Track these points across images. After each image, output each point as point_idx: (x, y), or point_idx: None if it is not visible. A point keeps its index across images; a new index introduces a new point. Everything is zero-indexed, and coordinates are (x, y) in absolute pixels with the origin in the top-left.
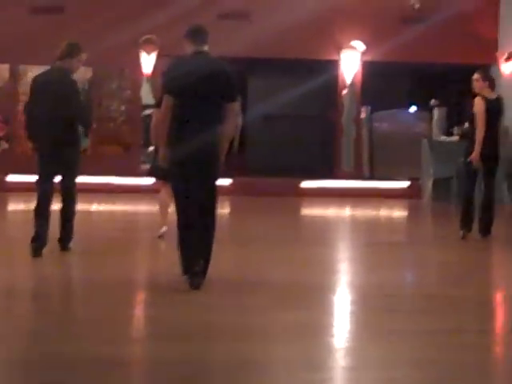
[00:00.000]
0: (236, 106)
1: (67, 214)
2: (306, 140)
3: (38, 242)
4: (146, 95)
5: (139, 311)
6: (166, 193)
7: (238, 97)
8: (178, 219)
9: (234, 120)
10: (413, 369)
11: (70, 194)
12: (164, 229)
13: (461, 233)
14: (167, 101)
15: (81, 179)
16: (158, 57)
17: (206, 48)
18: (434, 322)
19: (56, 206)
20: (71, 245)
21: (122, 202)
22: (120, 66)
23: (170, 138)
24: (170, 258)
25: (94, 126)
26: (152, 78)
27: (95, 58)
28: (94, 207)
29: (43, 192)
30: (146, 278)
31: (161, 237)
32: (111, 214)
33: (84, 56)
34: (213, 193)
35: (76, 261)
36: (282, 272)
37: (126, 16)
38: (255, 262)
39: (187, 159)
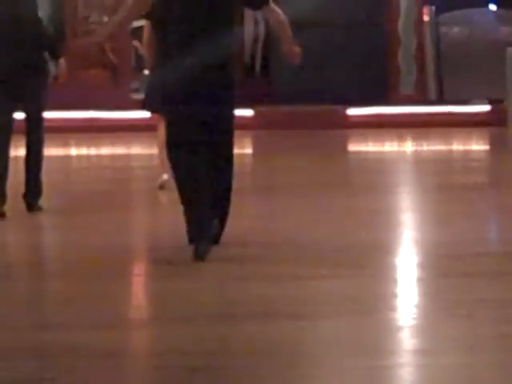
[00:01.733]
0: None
1: (33, 160)
2: (351, 55)
3: None
4: None
5: (135, 287)
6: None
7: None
8: (170, 153)
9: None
10: (498, 352)
11: (35, 134)
12: (165, 177)
13: None
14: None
15: (54, 115)
16: None
17: None
18: None
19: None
20: (41, 202)
21: (110, 143)
22: None
23: (161, 57)
24: (174, 217)
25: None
26: None
27: None
28: (73, 151)
29: None
30: (143, 245)
31: (162, 187)
32: (95, 159)
33: None
34: (227, 130)
35: (49, 224)
36: (325, 230)
37: None
38: (287, 218)
39: (189, 87)
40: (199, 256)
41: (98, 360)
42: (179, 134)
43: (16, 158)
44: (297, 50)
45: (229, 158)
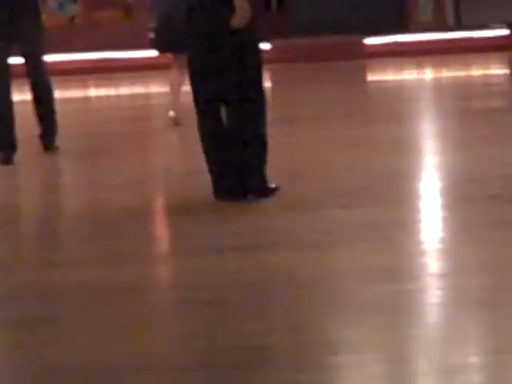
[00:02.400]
0: None
1: (43, 100)
2: None
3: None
4: None
5: (149, 224)
6: (177, 69)
7: None
8: (199, 116)
9: None
10: None
11: (38, 75)
12: (171, 113)
13: None
14: None
15: (71, 57)
16: None
17: None
18: None
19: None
20: (58, 143)
21: (128, 82)
22: None
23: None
24: (192, 155)
25: None
26: None
27: None
28: (91, 92)
29: None
30: (160, 184)
31: (176, 123)
32: (114, 99)
33: None
34: (255, 64)
35: (66, 166)
36: (345, 159)
37: None
38: (307, 148)
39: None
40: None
41: (110, 296)
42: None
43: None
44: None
45: (261, 101)
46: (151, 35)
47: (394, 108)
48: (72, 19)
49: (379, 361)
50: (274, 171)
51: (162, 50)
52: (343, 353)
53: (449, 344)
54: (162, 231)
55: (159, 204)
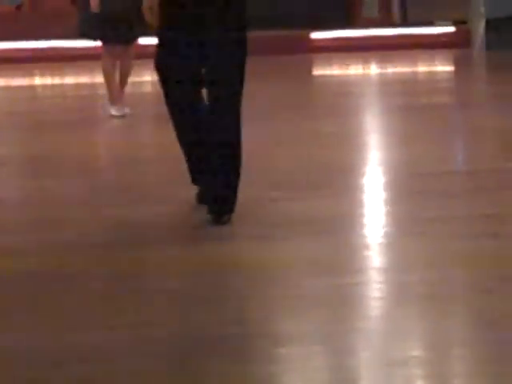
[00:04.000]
0: None
1: None
2: None
3: None
4: None
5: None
6: (108, 58)
7: None
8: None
9: None
10: (462, 267)
11: None
12: (126, 110)
13: None
14: None
15: (17, 45)
16: None
17: None
18: (487, 206)
19: None
20: None
21: (73, 72)
22: None
23: None
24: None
25: None
26: None
27: None
28: (36, 81)
29: None
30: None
31: (122, 115)
32: (59, 88)
33: None
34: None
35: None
36: (292, 152)
37: None
38: (249, 140)
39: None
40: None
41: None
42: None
43: None
44: None
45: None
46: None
47: (339, 102)
48: (19, 7)
49: (323, 353)
50: None
51: (93, 38)
52: (288, 345)
53: (391, 338)
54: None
55: (108, 194)
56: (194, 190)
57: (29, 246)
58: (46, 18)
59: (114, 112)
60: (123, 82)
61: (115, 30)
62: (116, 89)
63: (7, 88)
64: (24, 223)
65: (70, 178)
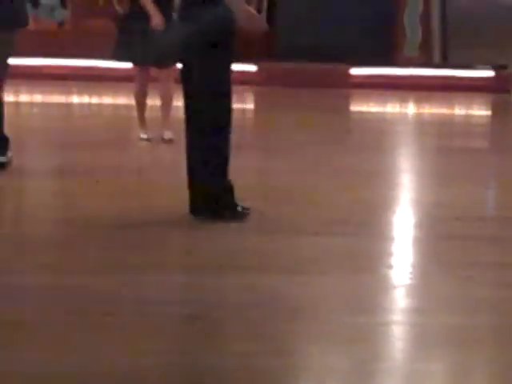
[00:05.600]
0: None
1: None
2: (357, 13)
3: None
4: None
5: (133, 235)
6: (142, 81)
7: None
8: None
9: None
10: (493, 314)
11: None
12: (145, 135)
13: None
14: None
15: (58, 62)
16: None
17: None
18: None
19: None
20: (10, 154)
21: (111, 92)
22: None
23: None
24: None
25: None
26: None
27: None
28: (75, 99)
29: None
30: (141, 198)
31: (148, 139)
32: (96, 107)
33: None
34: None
35: (42, 168)
36: (325, 186)
37: None
38: (287, 174)
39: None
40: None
41: (87, 305)
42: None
43: None
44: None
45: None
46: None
47: (375, 140)
48: (61, 25)
49: None
50: (251, 193)
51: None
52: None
53: (416, 379)
54: (143, 243)
55: (138, 216)
56: None
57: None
58: (87, 36)
59: (141, 135)
60: (163, 108)
61: (144, 52)
62: (143, 113)
63: (45, 104)
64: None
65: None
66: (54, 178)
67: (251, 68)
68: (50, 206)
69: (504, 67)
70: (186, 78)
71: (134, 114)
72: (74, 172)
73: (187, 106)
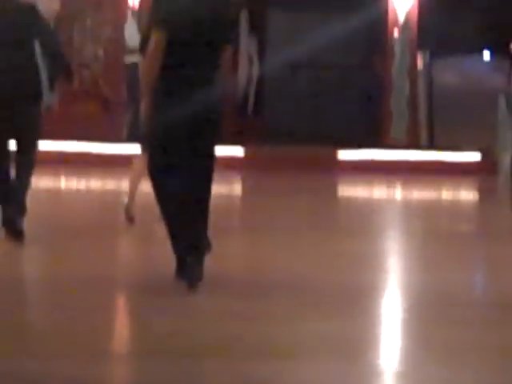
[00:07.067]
0: (229, 50)
1: (21, 183)
2: (345, 97)
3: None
4: (132, 35)
5: (120, 320)
6: (141, 162)
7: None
8: (161, 208)
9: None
10: None
11: (27, 163)
12: (126, 201)
13: None
14: (158, 37)
15: (45, 147)
16: None
17: None
18: (502, 339)
19: None
20: (24, 226)
21: (100, 175)
22: None
23: (154, 95)
24: (161, 249)
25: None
26: (140, 11)
27: None
28: (63, 183)
29: None
30: (130, 277)
31: (129, 219)
32: (85, 192)
33: None
34: (209, 170)
35: (31, 250)
36: (312, 270)
37: None
38: (275, 257)
39: (178, 125)
40: (194, 279)
41: None
42: (161, 162)
43: None
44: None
45: (207, 197)
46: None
47: (363, 223)
48: (49, 108)
49: None
50: (238, 277)
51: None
52: None
53: None
54: (130, 328)
55: (121, 299)
56: None
57: None
58: (75, 119)
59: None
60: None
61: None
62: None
63: (32, 189)
64: None
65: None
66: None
67: (239, 152)
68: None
69: (490, 150)
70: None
71: (122, 198)
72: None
73: None
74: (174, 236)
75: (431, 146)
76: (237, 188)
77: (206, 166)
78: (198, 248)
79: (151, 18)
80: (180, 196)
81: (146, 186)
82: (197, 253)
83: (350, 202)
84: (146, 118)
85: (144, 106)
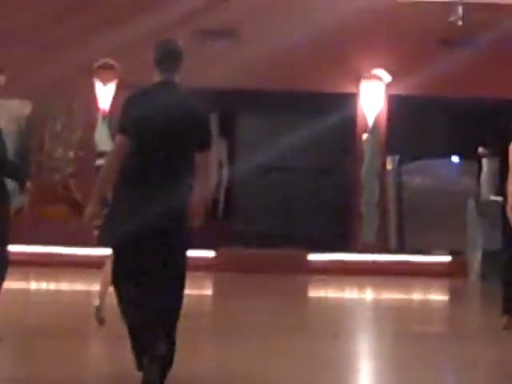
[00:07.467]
0: (211, 155)
1: None
2: (314, 200)
3: None
4: (102, 139)
5: None
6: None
7: (220, 143)
8: (122, 314)
9: (210, 174)
10: None
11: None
12: (97, 302)
13: (504, 319)
14: (120, 142)
15: (15, 249)
16: (118, 87)
17: (175, 77)
18: None
19: None
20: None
21: (69, 278)
22: (67, 98)
23: (119, 199)
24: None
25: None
26: (110, 115)
27: (34, 88)
28: (32, 285)
29: None
30: (96, 379)
31: (99, 320)
32: (54, 294)
33: (2, 79)
34: (180, 277)
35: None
36: (283, 372)
37: (75, 34)
38: (246, 360)
39: (144, 232)
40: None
41: None
42: (126, 268)
43: None
44: (201, 209)
45: (180, 300)
46: (96, 233)
47: (333, 325)
48: (19, 211)
49: None
50: (207, 379)
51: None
52: None
53: None
54: None
55: None
56: None
57: None
58: (45, 222)
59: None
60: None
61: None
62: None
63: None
64: None
65: None
66: None
67: (209, 254)
68: None
69: (460, 253)
70: None
71: (92, 300)
72: None
73: None
74: (133, 338)
75: (401, 249)
76: (208, 288)
77: (175, 276)
78: (155, 355)
79: (117, 123)
80: (143, 308)
81: None
82: (155, 359)
83: (321, 303)
84: (94, 215)
85: (89, 209)
